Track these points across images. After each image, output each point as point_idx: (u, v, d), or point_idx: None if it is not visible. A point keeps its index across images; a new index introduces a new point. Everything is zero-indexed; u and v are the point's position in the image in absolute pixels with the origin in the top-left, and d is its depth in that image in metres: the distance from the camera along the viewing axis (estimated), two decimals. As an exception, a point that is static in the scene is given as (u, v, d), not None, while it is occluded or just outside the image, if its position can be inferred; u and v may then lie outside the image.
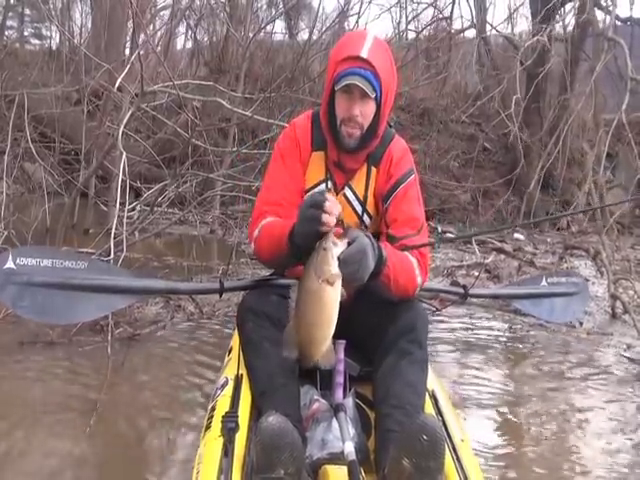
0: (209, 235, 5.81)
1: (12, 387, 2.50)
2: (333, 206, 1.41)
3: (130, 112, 3.80)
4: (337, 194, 1.77)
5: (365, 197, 1.77)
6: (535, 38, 6.20)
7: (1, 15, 8.70)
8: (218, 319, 3.56)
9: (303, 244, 1.47)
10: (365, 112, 1.66)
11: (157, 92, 4.50)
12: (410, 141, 8.37)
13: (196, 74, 8.39)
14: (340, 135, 1.69)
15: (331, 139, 1.74)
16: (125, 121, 3.60)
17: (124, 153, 3.21)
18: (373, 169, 1.77)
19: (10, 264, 1.53)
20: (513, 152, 8.55)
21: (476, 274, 4.85)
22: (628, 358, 3.39)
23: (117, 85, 3.83)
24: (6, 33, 9.81)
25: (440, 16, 9.05)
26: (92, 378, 2.61)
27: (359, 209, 1.78)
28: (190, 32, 9.12)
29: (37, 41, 10.22)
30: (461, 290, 2.08)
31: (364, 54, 1.61)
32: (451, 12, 8.95)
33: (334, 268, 1.38)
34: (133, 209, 4.58)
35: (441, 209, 8.01)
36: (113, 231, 3.00)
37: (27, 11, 10.89)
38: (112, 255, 2.85)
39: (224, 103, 4.26)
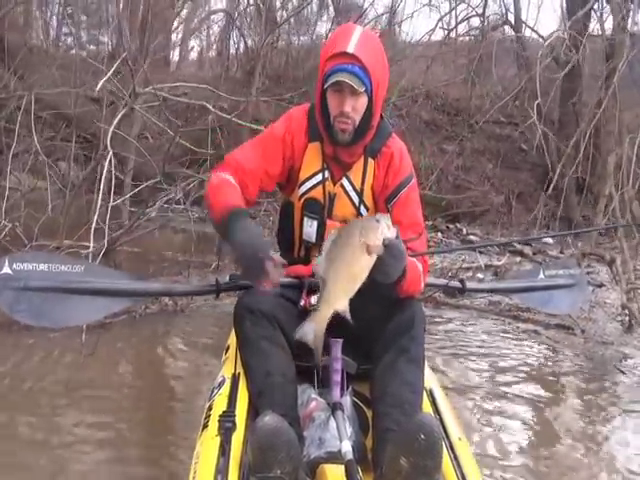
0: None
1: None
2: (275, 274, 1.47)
3: (123, 112, 4.07)
4: (334, 185, 1.78)
5: (362, 189, 1.77)
6: (554, 33, 6.04)
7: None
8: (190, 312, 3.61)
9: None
10: (356, 107, 1.66)
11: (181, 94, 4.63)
12: (443, 142, 8.29)
13: (228, 75, 8.53)
14: (333, 131, 1.69)
15: (326, 135, 1.74)
16: (115, 122, 3.86)
17: (110, 151, 3.50)
18: (371, 161, 1.77)
19: (7, 269, 1.54)
20: (548, 153, 8.25)
21: (480, 276, 4.86)
22: (620, 370, 3.32)
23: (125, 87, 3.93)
24: (62, 39, 9.96)
25: (473, 13, 8.89)
26: (64, 364, 2.70)
27: (356, 200, 1.78)
28: (228, 34, 9.17)
29: (93, 47, 10.24)
30: (459, 285, 2.08)
31: (350, 49, 1.61)
32: (484, 9, 8.83)
33: (379, 240, 1.40)
34: (148, 206, 4.67)
35: (472, 211, 7.82)
36: (93, 225, 3.17)
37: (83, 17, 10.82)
38: (91, 248, 3.02)
39: (209, 106, 4.46)
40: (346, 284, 1.42)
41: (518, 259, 5.71)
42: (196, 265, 4.38)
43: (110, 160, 3.47)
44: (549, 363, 3.41)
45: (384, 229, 1.41)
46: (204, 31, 8.68)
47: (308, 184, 1.78)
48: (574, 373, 3.26)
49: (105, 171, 3.51)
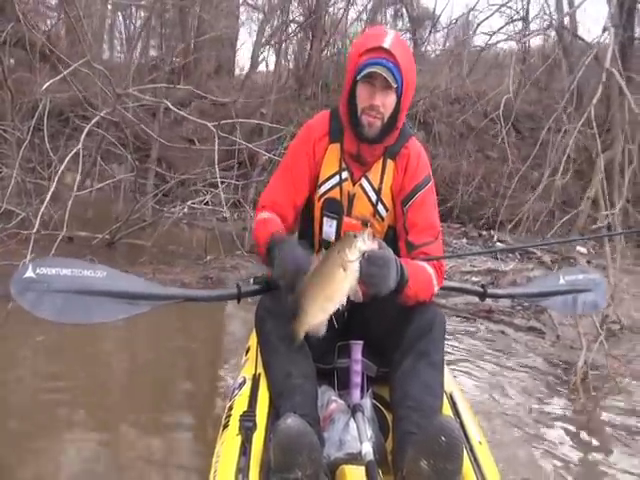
0: (243, 231, 5.90)
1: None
2: None
3: (103, 113, 4.44)
4: (354, 185, 1.78)
5: (380, 188, 1.77)
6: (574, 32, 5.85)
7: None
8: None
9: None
10: (386, 103, 1.67)
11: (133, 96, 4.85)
12: (492, 149, 8.18)
13: (284, 84, 8.86)
14: (360, 124, 1.70)
15: (350, 130, 1.74)
16: (93, 122, 4.25)
17: (80, 147, 3.89)
18: (390, 162, 1.77)
19: (30, 274, 1.56)
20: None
21: (474, 279, 4.86)
22: (565, 376, 3.25)
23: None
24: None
25: (515, 17, 8.78)
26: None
27: (374, 200, 1.78)
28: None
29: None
30: (480, 290, 2.06)
31: (386, 45, 1.62)
32: (526, 12, 8.73)
33: (353, 256, 1.41)
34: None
35: (511, 219, 7.76)
36: (41, 210, 3.42)
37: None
38: (34, 230, 3.25)
39: (169, 104, 4.74)
40: (323, 303, 1.45)
41: (531, 266, 5.58)
42: (193, 257, 4.70)
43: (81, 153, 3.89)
44: (508, 364, 3.38)
45: (359, 243, 1.41)
46: (276, 43, 8.81)
47: (328, 184, 1.79)
48: (529, 377, 3.23)
49: (64, 164, 3.82)
